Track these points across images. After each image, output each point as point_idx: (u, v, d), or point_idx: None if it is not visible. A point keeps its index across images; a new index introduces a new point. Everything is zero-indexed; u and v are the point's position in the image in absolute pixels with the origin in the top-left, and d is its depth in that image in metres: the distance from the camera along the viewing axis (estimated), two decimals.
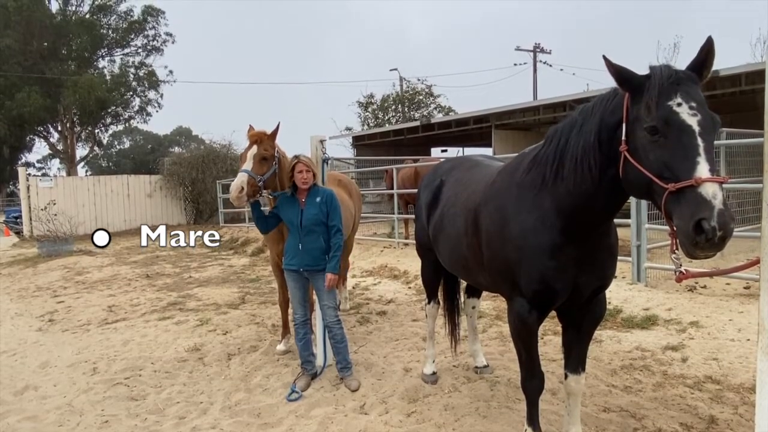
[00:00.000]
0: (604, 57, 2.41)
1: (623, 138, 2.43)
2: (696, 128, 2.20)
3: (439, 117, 25.32)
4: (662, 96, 2.26)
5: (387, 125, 29.55)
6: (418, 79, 34.51)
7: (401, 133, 21.80)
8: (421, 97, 34.10)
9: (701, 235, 2.04)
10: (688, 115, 2.22)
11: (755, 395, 2.20)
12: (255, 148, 4.87)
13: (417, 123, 20.59)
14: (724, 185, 2.15)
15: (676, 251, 2.32)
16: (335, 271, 4.47)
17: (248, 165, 4.81)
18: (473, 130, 19.44)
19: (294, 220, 4.50)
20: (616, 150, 2.48)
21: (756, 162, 8.84)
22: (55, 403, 4.49)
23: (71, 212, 16.91)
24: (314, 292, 4.77)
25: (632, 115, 2.40)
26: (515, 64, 35.49)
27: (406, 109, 33.55)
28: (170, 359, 5.46)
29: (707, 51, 2.31)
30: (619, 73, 2.40)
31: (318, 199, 4.51)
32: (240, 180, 4.71)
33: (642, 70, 2.41)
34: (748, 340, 4.81)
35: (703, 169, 2.12)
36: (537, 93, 32.83)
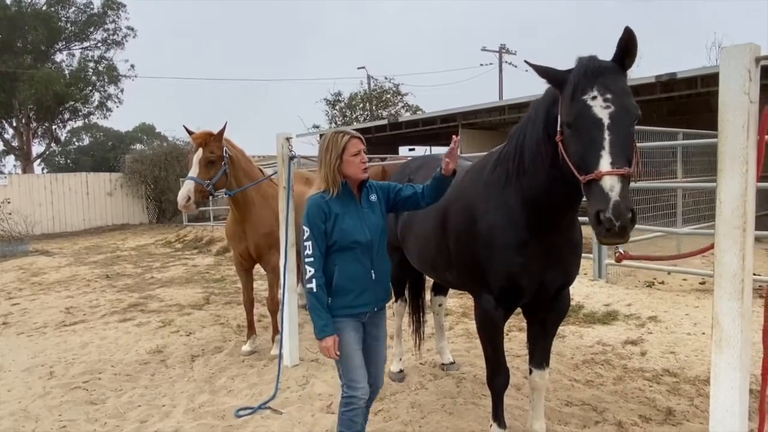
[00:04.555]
0: (527, 62, 2.51)
1: (559, 129, 2.50)
2: (606, 121, 2.26)
3: (406, 116, 25.40)
4: (577, 91, 2.32)
5: (355, 123, 29.50)
6: (386, 78, 34.65)
7: (369, 131, 21.77)
8: (388, 96, 34.17)
9: (600, 226, 2.15)
10: (600, 108, 2.27)
11: (710, 387, 2.28)
12: (200, 151, 4.73)
13: (385, 122, 20.62)
14: (631, 177, 2.22)
15: None
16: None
17: (194, 171, 4.71)
18: (440, 129, 19.58)
19: (359, 235, 2.84)
20: None
21: (711, 162, 9.18)
22: (9, 409, 4.32)
23: (27, 211, 16.37)
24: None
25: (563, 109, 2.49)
26: (481, 65, 35.91)
27: (373, 108, 33.55)
28: (131, 362, 5.32)
29: (626, 41, 2.32)
30: (545, 73, 2.49)
31: (373, 198, 3.03)
32: (186, 189, 4.65)
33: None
34: (704, 333, 4.99)
35: (604, 163, 2.20)
36: (503, 93, 33.32)
